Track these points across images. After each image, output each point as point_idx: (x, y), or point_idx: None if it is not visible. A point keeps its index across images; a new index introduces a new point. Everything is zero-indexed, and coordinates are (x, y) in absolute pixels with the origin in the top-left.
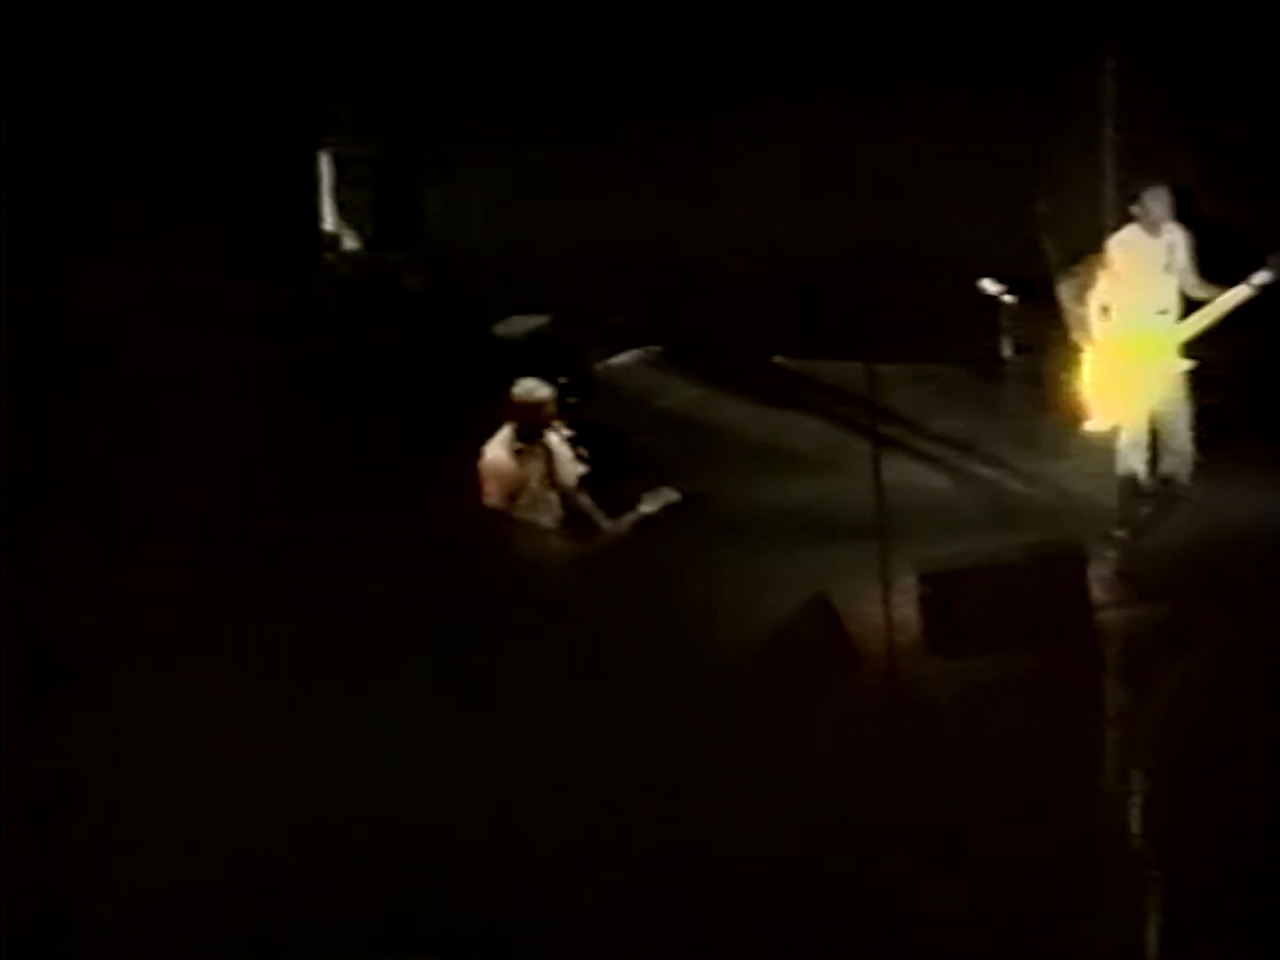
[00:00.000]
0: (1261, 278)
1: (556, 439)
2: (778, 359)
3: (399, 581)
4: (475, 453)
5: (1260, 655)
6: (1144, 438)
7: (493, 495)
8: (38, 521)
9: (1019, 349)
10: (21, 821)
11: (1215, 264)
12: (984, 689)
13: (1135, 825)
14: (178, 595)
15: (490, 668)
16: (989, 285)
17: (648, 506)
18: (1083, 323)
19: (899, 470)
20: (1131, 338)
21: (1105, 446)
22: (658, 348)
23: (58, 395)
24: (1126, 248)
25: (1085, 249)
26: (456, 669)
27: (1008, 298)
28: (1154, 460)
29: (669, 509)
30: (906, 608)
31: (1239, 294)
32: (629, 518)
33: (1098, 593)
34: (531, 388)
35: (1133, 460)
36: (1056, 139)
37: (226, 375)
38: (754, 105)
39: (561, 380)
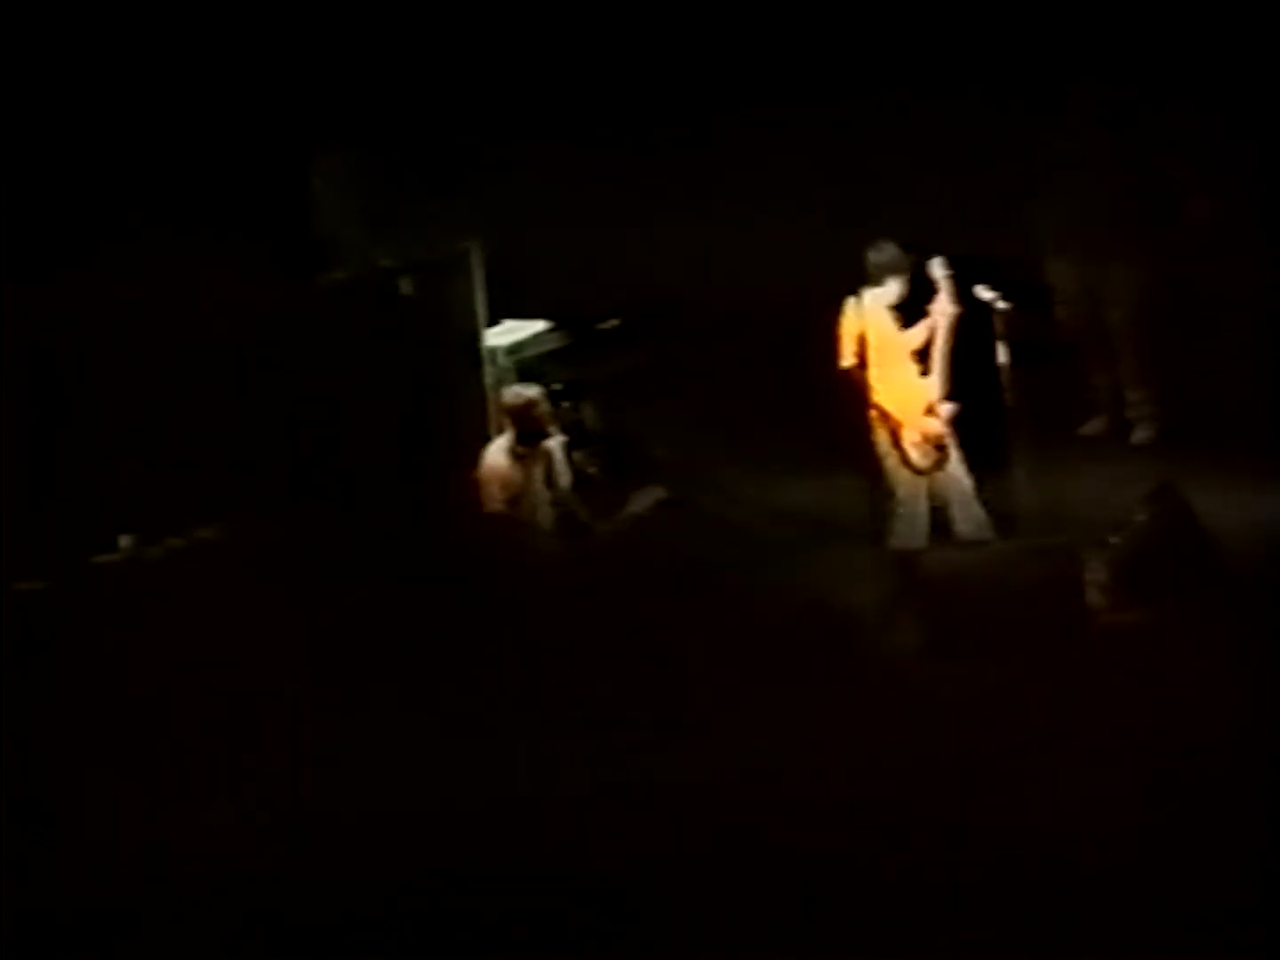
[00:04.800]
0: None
1: (555, 443)
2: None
3: (394, 585)
4: (467, 459)
5: (1255, 655)
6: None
7: (493, 499)
8: (36, 521)
9: (1014, 355)
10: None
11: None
12: (982, 692)
13: (1133, 826)
14: (175, 597)
15: (486, 671)
16: (983, 292)
17: (637, 506)
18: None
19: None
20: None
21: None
22: (651, 353)
23: (52, 401)
24: (874, 305)
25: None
26: (452, 671)
27: (1002, 304)
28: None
29: (659, 507)
30: (905, 611)
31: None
32: (620, 518)
33: (1094, 596)
34: (519, 390)
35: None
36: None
37: (218, 382)
38: (751, 111)
39: (555, 386)
